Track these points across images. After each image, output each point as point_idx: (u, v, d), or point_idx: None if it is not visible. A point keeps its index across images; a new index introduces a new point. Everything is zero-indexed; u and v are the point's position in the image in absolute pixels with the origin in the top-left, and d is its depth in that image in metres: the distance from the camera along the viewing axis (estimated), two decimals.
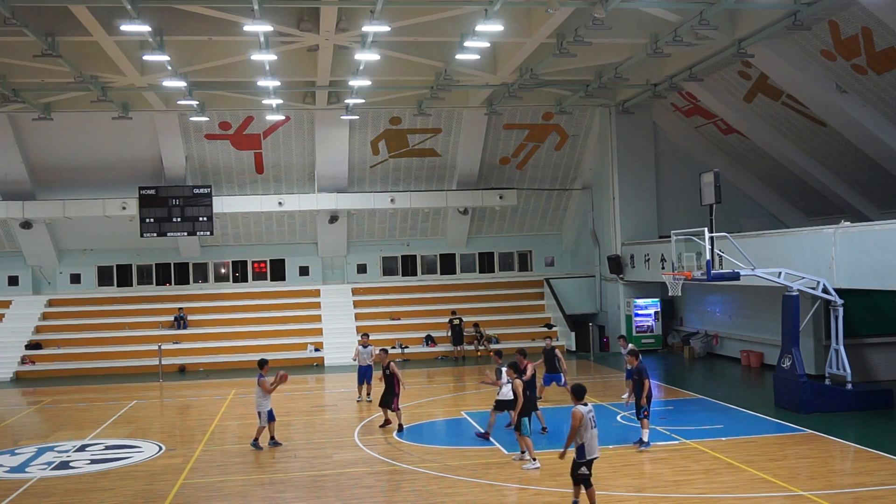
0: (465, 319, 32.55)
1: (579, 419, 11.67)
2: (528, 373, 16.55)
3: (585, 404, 11.93)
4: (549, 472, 14.47)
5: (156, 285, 35.52)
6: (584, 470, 11.82)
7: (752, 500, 12.77)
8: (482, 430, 17.39)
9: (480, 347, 32.09)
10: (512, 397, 15.82)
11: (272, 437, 17.54)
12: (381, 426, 18.72)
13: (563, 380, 19.40)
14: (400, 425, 18.17)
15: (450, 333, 31.91)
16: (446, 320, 32.38)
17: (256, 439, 17.31)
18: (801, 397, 18.96)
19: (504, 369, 16.55)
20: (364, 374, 22.69)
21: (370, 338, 24.03)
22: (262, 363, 17.76)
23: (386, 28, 20.11)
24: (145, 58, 23.34)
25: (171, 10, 21.12)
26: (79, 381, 28.26)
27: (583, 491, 11.95)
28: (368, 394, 22.49)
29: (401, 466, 15.24)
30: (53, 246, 34.35)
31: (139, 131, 31.25)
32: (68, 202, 32.04)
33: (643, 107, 31.59)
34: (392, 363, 18.63)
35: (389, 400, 18.37)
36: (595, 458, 11.89)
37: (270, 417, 17.39)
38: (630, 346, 18.85)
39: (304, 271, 36.38)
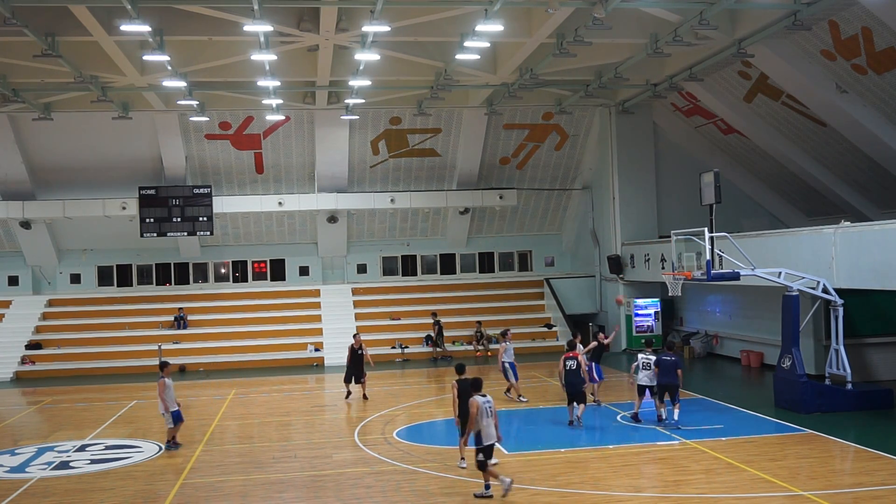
0: (468, 320, 32.67)
1: (476, 408, 12.92)
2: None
3: (484, 395, 13.20)
4: (549, 472, 14.48)
5: (156, 285, 35.52)
6: (480, 456, 12.93)
7: (752, 500, 12.76)
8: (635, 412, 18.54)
9: (480, 347, 32.06)
10: (648, 382, 18.12)
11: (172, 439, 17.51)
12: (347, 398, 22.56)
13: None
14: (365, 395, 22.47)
15: (433, 334, 31.93)
16: (431, 321, 32.30)
17: (171, 440, 17.43)
18: (801, 397, 18.95)
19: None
20: (512, 370, 21.39)
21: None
22: (163, 365, 17.77)
23: (386, 28, 20.12)
24: (145, 58, 23.34)
25: (171, 10, 21.12)
26: (79, 381, 28.26)
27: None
28: (519, 395, 21.45)
29: (401, 466, 15.24)
30: (53, 246, 34.35)
31: (139, 131, 31.25)
32: (68, 202, 32.04)
33: (643, 107, 31.59)
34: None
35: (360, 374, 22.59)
36: (492, 445, 12.99)
37: (178, 418, 17.35)
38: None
39: (304, 271, 36.38)
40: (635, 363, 18.58)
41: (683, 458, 15.15)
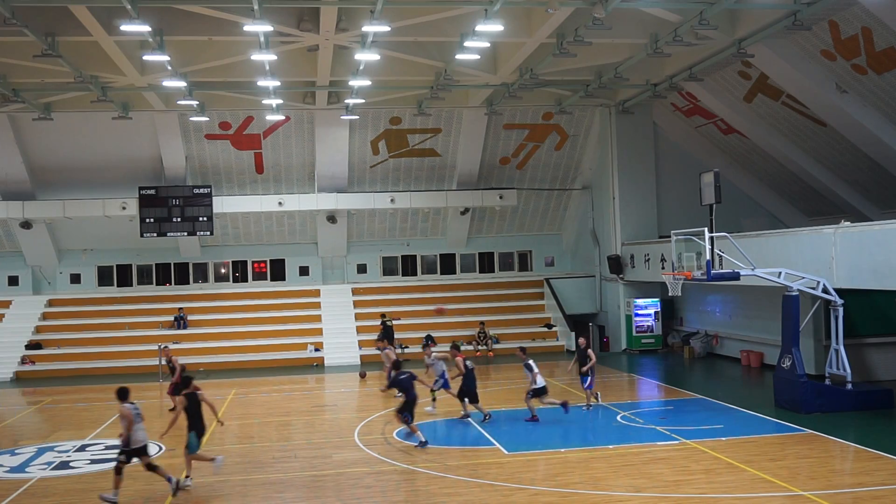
0: (468, 320, 32.48)
1: (131, 415, 13.54)
2: None
3: (132, 403, 13.96)
4: (549, 472, 14.48)
5: (156, 285, 35.52)
6: (124, 458, 13.53)
7: (752, 500, 12.77)
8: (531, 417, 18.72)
9: (481, 347, 32.04)
10: (543, 384, 18.53)
11: None
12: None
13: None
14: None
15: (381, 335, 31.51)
16: (378, 322, 31.81)
17: None
18: (801, 397, 18.95)
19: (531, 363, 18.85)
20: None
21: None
22: None
23: (386, 28, 20.12)
24: (145, 58, 23.34)
25: (171, 10, 21.12)
26: (79, 381, 28.25)
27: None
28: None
29: (401, 466, 15.24)
30: (53, 246, 34.36)
31: (139, 131, 31.26)
32: (68, 202, 32.05)
33: (643, 107, 31.60)
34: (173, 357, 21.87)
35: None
36: (145, 446, 13.70)
37: None
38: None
39: (304, 271, 36.38)
40: (533, 373, 18.65)
41: (683, 458, 15.15)
